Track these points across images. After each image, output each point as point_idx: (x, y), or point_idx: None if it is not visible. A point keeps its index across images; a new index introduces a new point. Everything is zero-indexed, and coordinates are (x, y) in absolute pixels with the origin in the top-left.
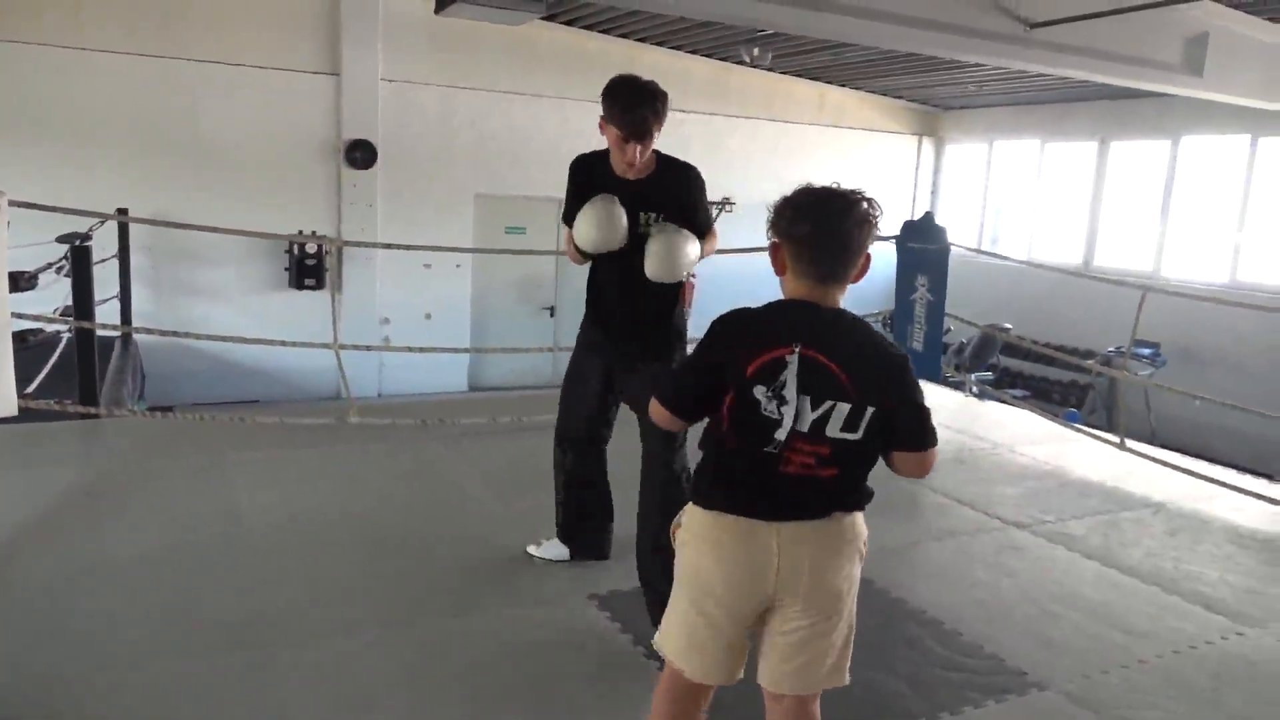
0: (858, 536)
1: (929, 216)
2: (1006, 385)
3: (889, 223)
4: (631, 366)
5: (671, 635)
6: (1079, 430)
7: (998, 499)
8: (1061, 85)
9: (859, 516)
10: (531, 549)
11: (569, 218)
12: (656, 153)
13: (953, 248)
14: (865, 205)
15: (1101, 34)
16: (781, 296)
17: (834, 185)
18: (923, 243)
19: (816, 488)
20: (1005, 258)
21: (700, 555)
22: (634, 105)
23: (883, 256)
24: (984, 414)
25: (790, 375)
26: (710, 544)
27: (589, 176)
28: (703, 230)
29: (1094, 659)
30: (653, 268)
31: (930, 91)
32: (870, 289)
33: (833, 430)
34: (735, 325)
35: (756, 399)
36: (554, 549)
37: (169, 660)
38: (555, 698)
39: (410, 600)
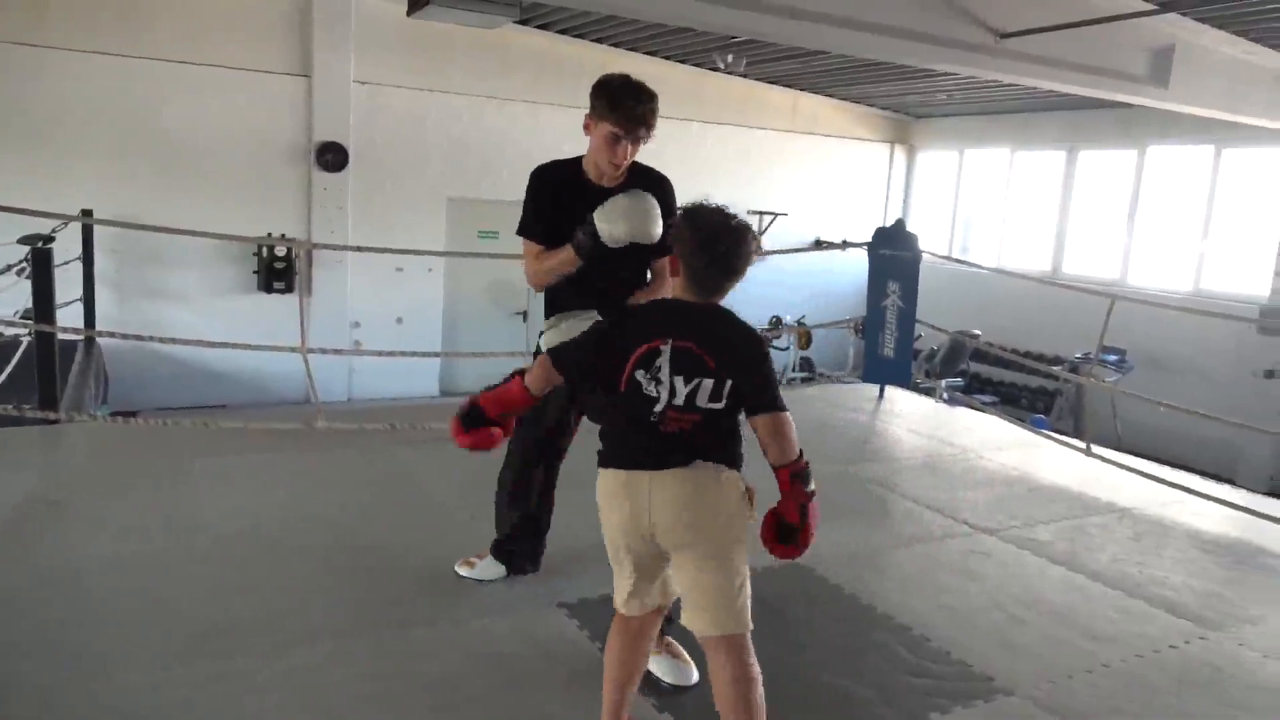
0: (732, 486)
1: (900, 224)
2: (976, 391)
3: (862, 230)
4: None
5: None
6: (1046, 436)
7: (966, 504)
8: (1031, 95)
9: (732, 472)
10: (462, 571)
11: (529, 231)
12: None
13: (924, 255)
14: (752, 238)
15: (1070, 45)
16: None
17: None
18: (894, 250)
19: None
20: (975, 265)
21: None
22: (633, 100)
23: (855, 264)
24: (953, 420)
25: (664, 361)
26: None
27: (557, 186)
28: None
29: (1060, 664)
30: (617, 226)
31: (902, 99)
32: (842, 296)
33: (702, 401)
34: (626, 321)
35: (638, 381)
36: (489, 568)
37: (128, 671)
38: (524, 708)
39: (376, 609)
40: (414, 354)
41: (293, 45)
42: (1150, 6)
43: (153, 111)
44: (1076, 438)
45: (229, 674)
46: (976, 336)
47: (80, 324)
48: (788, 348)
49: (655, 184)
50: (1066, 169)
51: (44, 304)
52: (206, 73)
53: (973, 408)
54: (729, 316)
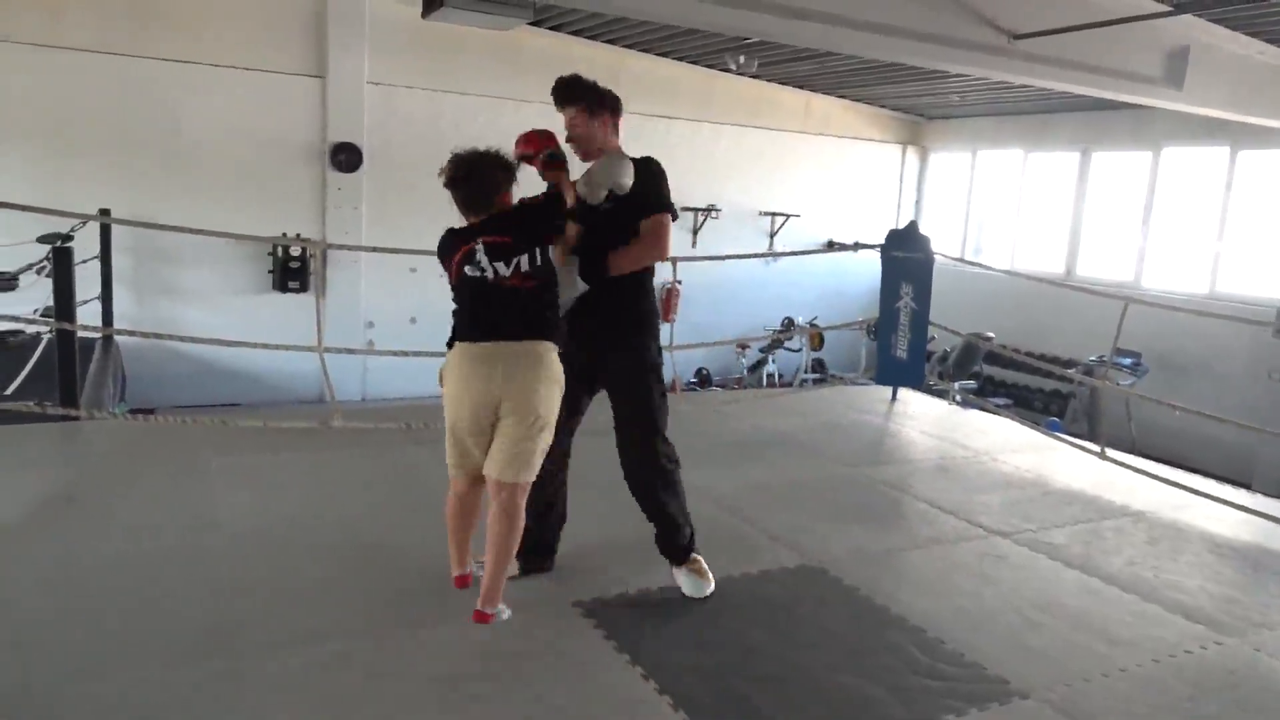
0: (552, 359)
1: (913, 225)
2: (989, 394)
3: (874, 231)
4: (602, 365)
5: None
6: (1061, 439)
7: (980, 507)
8: (1044, 96)
9: (553, 346)
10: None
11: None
12: (620, 151)
13: (937, 257)
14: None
15: (1083, 46)
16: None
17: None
18: (907, 252)
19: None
20: (988, 267)
21: None
22: (555, 88)
23: (867, 265)
24: (966, 422)
25: (482, 254)
26: None
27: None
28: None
29: (1075, 667)
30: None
31: (914, 101)
32: (854, 297)
33: (525, 268)
34: (444, 238)
35: (466, 273)
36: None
37: (137, 669)
38: (537, 708)
39: (387, 608)
40: (428, 354)
41: (307, 46)
42: (1165, 8)
43: (168, 112)
44: (1091, 441)
45: (235, 672)
46: (990, 338)
47: (98, 322)
48: (800, 349)
49: (638, 161)
50: (1080, 170)
51: (65, 302)
52: (222, 74)
53: (986, 410)
54: (508, 207)
